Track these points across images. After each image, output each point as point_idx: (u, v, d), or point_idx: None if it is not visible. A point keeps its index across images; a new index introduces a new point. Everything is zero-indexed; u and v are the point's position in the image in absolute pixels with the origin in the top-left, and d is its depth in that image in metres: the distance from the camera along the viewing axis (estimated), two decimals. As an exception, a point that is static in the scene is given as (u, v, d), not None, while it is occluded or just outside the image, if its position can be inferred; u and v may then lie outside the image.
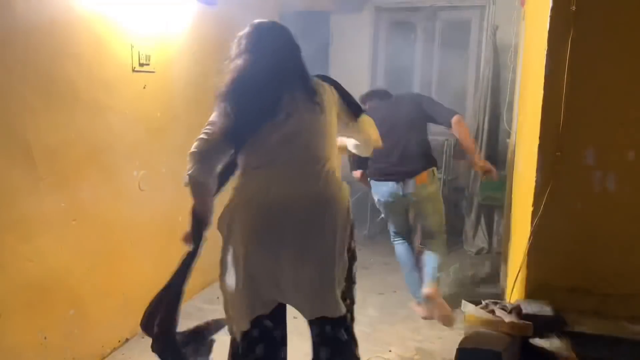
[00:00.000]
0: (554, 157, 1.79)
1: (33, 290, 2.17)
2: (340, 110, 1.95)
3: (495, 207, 4.28)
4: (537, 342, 1.69)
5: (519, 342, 1.69)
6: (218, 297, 3.36)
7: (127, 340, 2.77)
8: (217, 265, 3.93)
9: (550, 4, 1.75)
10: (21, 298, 2.11)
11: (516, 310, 1.76)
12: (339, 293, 1.78)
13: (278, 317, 1.94)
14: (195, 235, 2.00)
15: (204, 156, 1.88)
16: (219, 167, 1.91)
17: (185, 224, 3.22)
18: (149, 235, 2.89)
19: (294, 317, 3.11)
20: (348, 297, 1.86)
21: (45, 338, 2.24)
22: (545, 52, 1.77)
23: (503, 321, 1.69)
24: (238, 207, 1.83)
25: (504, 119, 4.50)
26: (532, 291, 1.88)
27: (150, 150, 2.84)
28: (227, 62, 1.96)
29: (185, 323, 3.01)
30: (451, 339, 2.89)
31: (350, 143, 2.16)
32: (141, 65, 2.68)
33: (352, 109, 1.99)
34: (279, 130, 1.79)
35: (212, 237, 3.40)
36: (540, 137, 1.82)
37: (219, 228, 1.93)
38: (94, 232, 2.48)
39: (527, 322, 1.70)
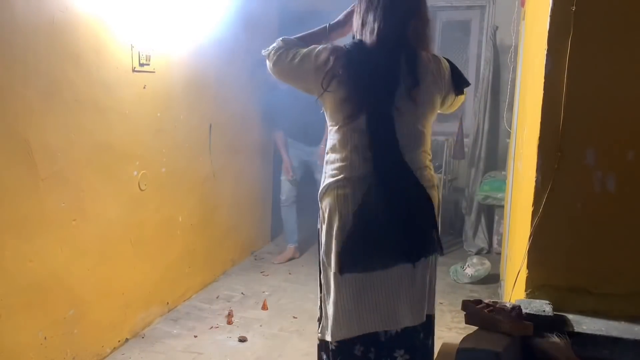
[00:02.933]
0: (554, 157, 1.79)
1: (33, 290, 2.17)
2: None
3: (495, 207, 4.28)
4: (537, 342, 1.68)
5: (519, 342, 1.69)
6: (218, 297, 3.38)
7: (127, 340, 2.77)
8: (215, 265, 3.95)
9: (550, 4, 1.74)
10: (21, 298, 2.11)
11: (516, 310, 1.76)
12: None
13: None
14: None
15: None
16: None
17: (185, 224, 3.23)
18: (149, 235, 2.89)
19: (294, 317, 3.13)
20: None
21: (45, 338, 2.24)
22: (545, 52, 1.77)
23: (503, 321, 1.69)
24: None
25: (504, 119, 4.50)
26: (532, 291, 1.88)
27: (150, 150, 2.84)
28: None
29: (184, 323, 3.02)
30: (451, 338, 2.89)
31: None
32: (141, 65, 2.68)
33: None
34: None
35: (212, 233, 3.39)
36: (540, 137, 1.81)
37: None
38: (94, 232, 2.48)
39: (527, 322, 1.70)
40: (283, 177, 3.97)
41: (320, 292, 1.75)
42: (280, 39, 1.76)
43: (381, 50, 1.64)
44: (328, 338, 1.70)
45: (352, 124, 1.62)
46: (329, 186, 1.66)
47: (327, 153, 1.72)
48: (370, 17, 1.66)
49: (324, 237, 1.70)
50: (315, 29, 1.84)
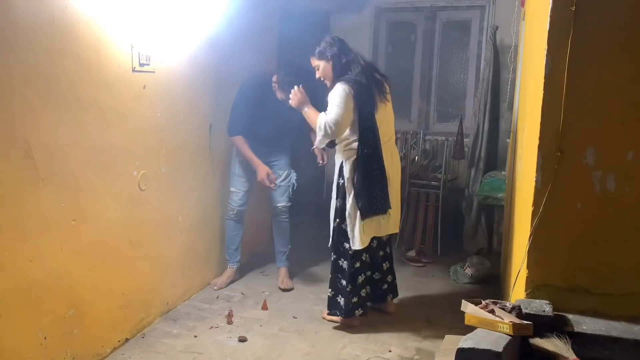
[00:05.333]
0: (554, 157, 1.79)
1: (33, 290, 2.17)
2: None
3: (495, 207, 4.28)
4: (537, 342, 1.69)
5: (519, 342, 1.69)
6: (218, 297, 3.38)
7: (127, 340, 2.77)
8: (215, 265, 3.95)
9: (550, 4, 1.74)
10: (21, 298, 2.11)
11: (516, 310, 1.76)
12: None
13: None
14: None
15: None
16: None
17: (185, 224, 3.23)
18: (149, 235, 2.89)
19: (294, 317, 3.13)
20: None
21: (45, 338, 2.24)
22: (545, 52, 1.77)
23: (503, 321, 1.69)
24: None
25: (504, 119, 4.50)
26: (532, 291, 1.88)
27: (150, 150, 2.84)
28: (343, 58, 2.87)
29: (184, 323, 3.02)
30: (451, 338, 2.89)
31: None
32: (141, 65, 2.68)
33: None
34: None
35: (203, 235, 3.38)
36: (540, 137, 1.81)
37: None
38: (94, 232, 2.48)
39: (527, 322, 1.70)
40: (233, 188, 3.53)
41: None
42: (325, 123, 2.75)
43: (369, 77, 2.84)
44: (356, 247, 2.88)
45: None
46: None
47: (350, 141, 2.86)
48: (350, 59, 2.85)
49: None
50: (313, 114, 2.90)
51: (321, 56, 2.90)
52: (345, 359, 2.70)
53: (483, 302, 1.85)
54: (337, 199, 2.93)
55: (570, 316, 1.79)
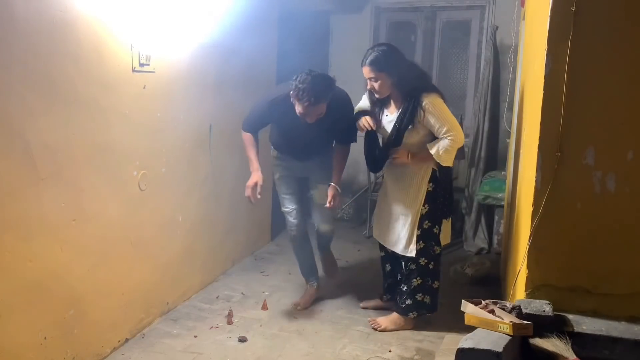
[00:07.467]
0: (554, 157, 1.79)
1: (33, 290, 2.17)
2: None
3: (495, 207, 4.28)
4: (537, 342, 1.69)
5: (519, 342, 1.70)
6: (218, 297, 3.38)
7: (127, 340, 2.77)
8: (215, 265, 3.94)
9: (550, 4, 1.75)
10: (21, 298, 2.11)
11: (516, 310, 1.76)
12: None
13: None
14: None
15: None
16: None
17: (185, 224, 3.23)
18: (149, 235, 2.89)
19: (294, 317, 3.13)
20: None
21: (45, 338, 2.24)
22: (545, 52, 1.77)
23: (503, 321, 1.69)
24: None
25: (504, 119, 4.50)
26: (532, 291, 1.88)
27: (150, 150, 2.84)
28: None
29: (184, 323, 3.02)
30: (451, 338, 2.89)
31: None
32: (141, 65, 2.68)
33: None
34: None
35: (201, 235, 3.37)
36: (540, 137, 1.81)
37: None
38: (94, 232, 2.48)
39: (527, 322, 1.70)
40: (284, 209, 3.24)
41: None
42: (451, 143, 2.75)
43: None
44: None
45: None
46: None
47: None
48: (421, 71, 2.94)
49: None
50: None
51: (382, 68, 2.72)
52: (345, 359, 2.70)
53: (483, 302, 1.86)
54: (424, 205, 2.83)
55: (570, 316, 1.79)
